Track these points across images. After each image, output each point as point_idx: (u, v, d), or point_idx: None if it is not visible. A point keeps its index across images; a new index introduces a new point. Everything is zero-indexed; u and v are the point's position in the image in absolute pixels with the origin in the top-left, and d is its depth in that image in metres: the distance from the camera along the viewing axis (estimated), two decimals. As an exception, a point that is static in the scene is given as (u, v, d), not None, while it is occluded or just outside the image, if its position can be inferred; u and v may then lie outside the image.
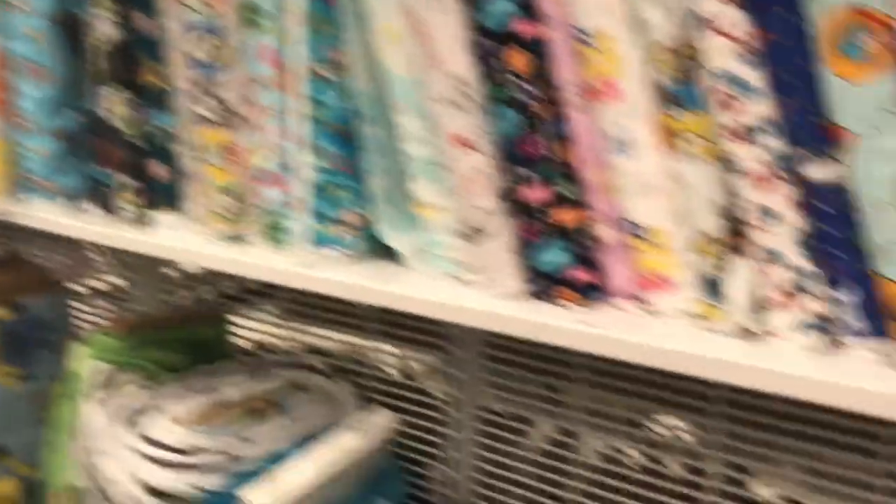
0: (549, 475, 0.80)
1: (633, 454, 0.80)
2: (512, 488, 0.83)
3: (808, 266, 0.46)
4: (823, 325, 0.46)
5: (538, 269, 0.56)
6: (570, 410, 0.79)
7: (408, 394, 0.89)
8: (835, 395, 0.44)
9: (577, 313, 0.54)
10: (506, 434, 0.83)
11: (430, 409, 0.87)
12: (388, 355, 0.92)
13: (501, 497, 0.84)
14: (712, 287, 0.49)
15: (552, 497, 0.81)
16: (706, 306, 0.50)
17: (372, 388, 0.92)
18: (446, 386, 0.84)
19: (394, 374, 0.93)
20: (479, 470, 0.85)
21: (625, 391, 0.75)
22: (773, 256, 0.47)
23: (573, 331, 0.52)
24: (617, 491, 0.77)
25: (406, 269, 0.65)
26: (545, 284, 0.56)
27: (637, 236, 0.52)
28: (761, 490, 0.74)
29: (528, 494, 0.82)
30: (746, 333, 0.49)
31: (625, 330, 0.51)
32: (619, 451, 0.81)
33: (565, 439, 0.80)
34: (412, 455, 0.89)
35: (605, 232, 0.54)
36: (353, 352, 0.94)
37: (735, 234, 0.49)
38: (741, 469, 0.74)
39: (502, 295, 0.57)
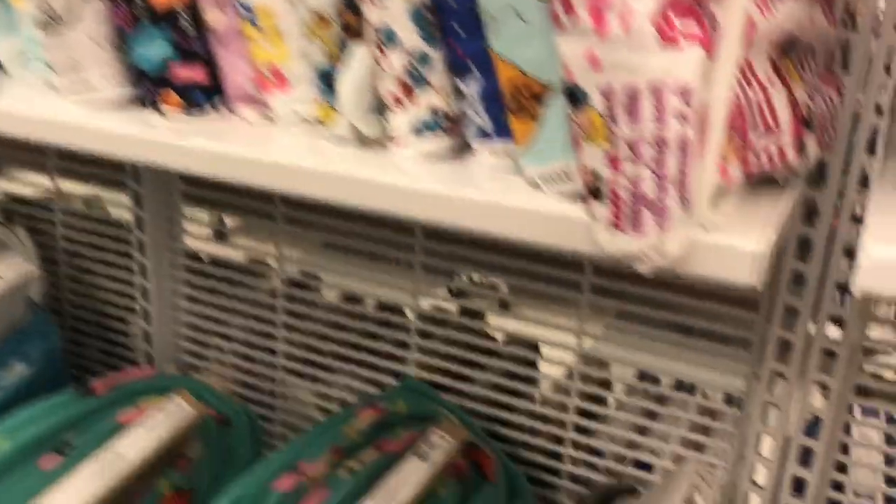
0: (259, 326, 0.71)
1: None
2: (220, 342, 0.73)
3: (426, 48, 0.36)
4: (445, 125, 0.37)
5: (137, 66, 0.43)
6: (274, 248, 0.68)
7: (98, 240, 0.76)
8: (458, 213, 0.35)
9: (176, 122, 0.42)
10: (213, 283, 0.72)
11: (125, 256, 0.74)
12: (75, 198, 0.78)
13: (207, 351, 0.74)
14: (328, 82, 0.39)
15: (264, 349, 0.72)
16: (323, 108, 0.39)
17: (61, 236, 0.78)
18: (137, 229, 0.71)
19: (88, 218, 0.79)
20: (182, 322, 0.74)
21: (326, 227, 0.65)
22: (388, 38, 0.36)
23: (163, 145, 0.41)
24: (322, 337, 0.69)
25: (4, 78, 0.51)
26: (149, 86, 0.44)
27: (248, 20, 0.40)
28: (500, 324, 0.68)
29: (238, 347, 0.73)
30: (364, 140, 0.39)
31: (224, 140, 0.40)
32: (348, 301, 0.72)
33: (279, 286, 0.70)
34: (112, 310, 0.78)
35: (212, 15, 0.42)
36: (37, 197, 0.79)
37: (349, 13, 0.37)
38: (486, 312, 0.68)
39: (96, 103, 0.44)
